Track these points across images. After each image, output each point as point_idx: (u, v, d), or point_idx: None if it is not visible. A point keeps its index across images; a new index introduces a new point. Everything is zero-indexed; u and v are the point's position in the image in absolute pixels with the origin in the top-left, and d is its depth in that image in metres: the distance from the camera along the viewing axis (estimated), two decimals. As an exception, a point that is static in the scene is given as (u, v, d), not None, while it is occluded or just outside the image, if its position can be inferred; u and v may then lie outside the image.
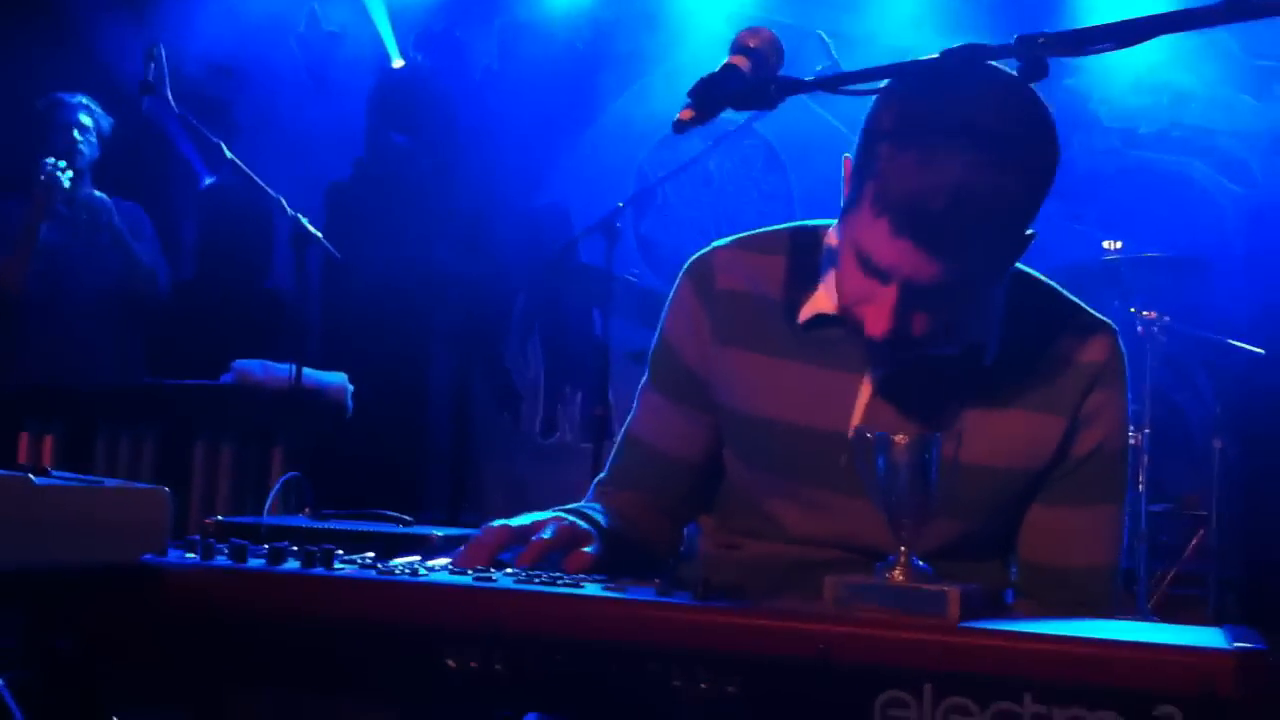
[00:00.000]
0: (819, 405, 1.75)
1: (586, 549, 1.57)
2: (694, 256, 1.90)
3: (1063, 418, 1.72)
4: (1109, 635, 1.11)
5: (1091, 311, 1.79)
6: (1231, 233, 5.76)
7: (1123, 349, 1.77)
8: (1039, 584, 1.79)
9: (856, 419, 1.72)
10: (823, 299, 1.75)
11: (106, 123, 5.04)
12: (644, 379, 1.95)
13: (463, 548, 1.57)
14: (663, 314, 1.92)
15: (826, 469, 1.74)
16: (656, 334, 1.93)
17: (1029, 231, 1.61)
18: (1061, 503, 1.76)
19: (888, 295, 1.56)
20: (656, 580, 1.32)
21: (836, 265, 1.68)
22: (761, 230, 1.89)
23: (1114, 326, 1.78)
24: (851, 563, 1.69)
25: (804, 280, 1.79)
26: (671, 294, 1.91)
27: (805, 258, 1.81)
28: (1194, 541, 5.10)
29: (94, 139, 4.99)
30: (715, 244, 1.89)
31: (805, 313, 1.77)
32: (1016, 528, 1.80)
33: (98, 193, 4.98)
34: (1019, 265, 1.75)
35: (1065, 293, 1.81)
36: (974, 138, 1.48)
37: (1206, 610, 4.91)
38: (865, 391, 1.74)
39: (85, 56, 5.57)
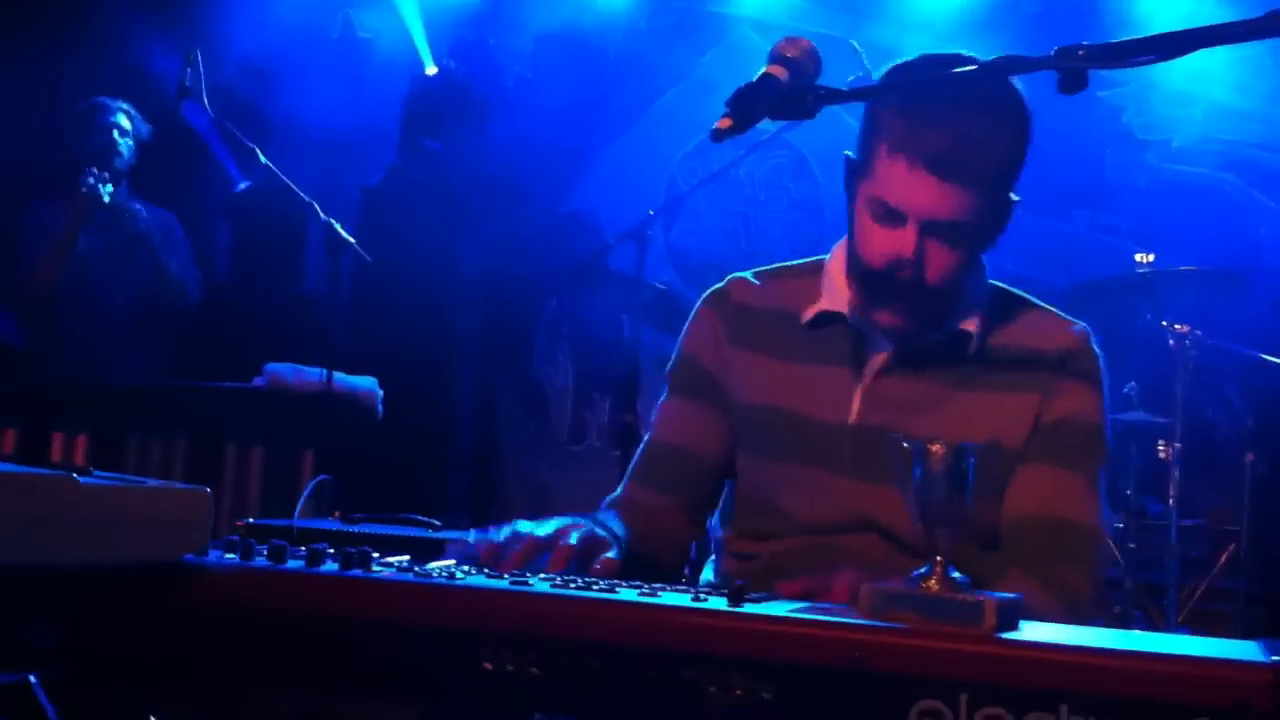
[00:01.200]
0: (821, 398, 1.92)
1: (610, 554, 1.64)
2: (711, 288, 2.10)
3: (1036, 394, 1.88)
4: (1145, 648, 1.11)
5: (1065, 315, 1.98)
6: (1264, 246, 5.72)
7: (1097, 349, 1.94)
8: (1022, 537, 1.85)
9: (855, 408, 1.90)
10: (825, 301, 1.96)
11: (145, 128, 5.09)
12: (662, 396, 2.09)
13: (486, 548, 1.60)
14: (680, 336, 2.09)
15: (831, 456, 1.89)
16: (674, 353, 2.10)
17: (1014, 197, 1.86)
18: (1037, 460, 1.87)
19: (907, 235, 1.78)
20: (688, 585, 1.33)
21: (850, 237, 1.90)
22: (776, 264, 2.10)
23: (1088, 328, 1.96)
24: (865, 543, 1.86)
25: (809, 294, 1.99)
26: (690, 317, 2.10)
27: (812, 278, 2.01)
28: (1224, 557, 5.06)
29: (132, 143, 5.04)
30: (731, 275, 2.10)
31: (808, 313, 1.96)
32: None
33: (136, 204, 5.03)
34: (999, 284, 1.98)
35: (1042, 303, 2.01)
36: (969, 97, 1.77)
37: (1235, 625, 4.87)
38: (863, 384, 1.91)
39: (121, 61, 5.61)
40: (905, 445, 1.23)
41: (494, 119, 6.37)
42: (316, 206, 4.28)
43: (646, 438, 2.08)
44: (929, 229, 1.79)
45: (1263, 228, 5.76)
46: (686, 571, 2.14)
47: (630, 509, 1.98)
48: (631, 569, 1.76)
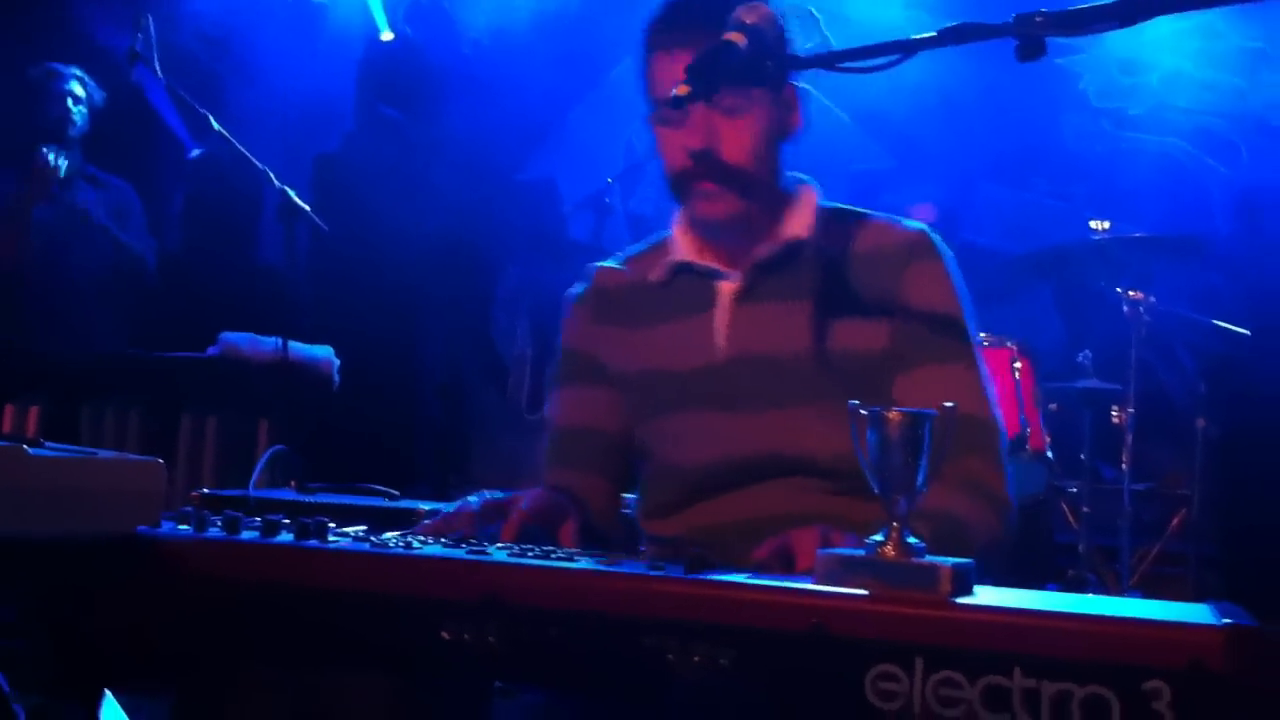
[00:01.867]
0: (688, 347, 1.96)
1: (571, 521, 1.68)
2: (574, 288, 2.16)
3: (887, 288, 1.90)
4: (1099, 611, 1.12)
5: (903, 220, 1.99)
6: (1218, 214, 5.77)
7: (938, 241, 1.95)
8: None
9: (720, 345, 1.93)
10: (669, 257, 2.02)
11: (99, 95, 5.01)
12: (552, 392, 2.14)
13: (439, 519, 1.66)
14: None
15: (711, 398, 1.92)
16: (555, 358, 2.15)
17: (802, 86, 1.93)
18: (915, 365, 1.87)
19: (690, 121, 1.84)
20: (644, 552, 1.33)
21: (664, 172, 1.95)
22: (637, 245, 2.16)
23: (926, 226, 1.97)
24: (779, 493, 1.85)
25: (660, 260, 2.04)
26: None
27: (662, 247, 2.06)
28: (1176, 520, 5.13)
29: (86, 110, 4.96)
30: (593, 266, 2.16)
31: (655, 274, 2.02)
32: None
33: (92, 170, 4.97)
34: (836, 203, 2.00)
35: (877, 213, 2.03)
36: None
37: (1187, 588, 4.94)
38: (723, 321, 1.94)
39: (71, 27, 5.52)
40: (862, 413, 1.23)
41: (451, 86, 6.31)
42: (271, 174, 4.22)
43: (549, 431, 2.11)
44: (700, 108, 1.82)
45: (1216, 195, 5.81)
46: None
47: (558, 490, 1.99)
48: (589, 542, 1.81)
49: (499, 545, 1.40)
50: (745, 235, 1.95)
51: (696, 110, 1.82)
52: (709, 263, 1.97)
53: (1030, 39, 1.30)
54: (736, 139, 1.86)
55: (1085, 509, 4.83)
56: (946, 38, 1.36)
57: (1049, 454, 4.64)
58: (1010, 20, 1.32)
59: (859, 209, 2.03)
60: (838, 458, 1.72)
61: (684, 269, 2.00)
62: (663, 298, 2.02)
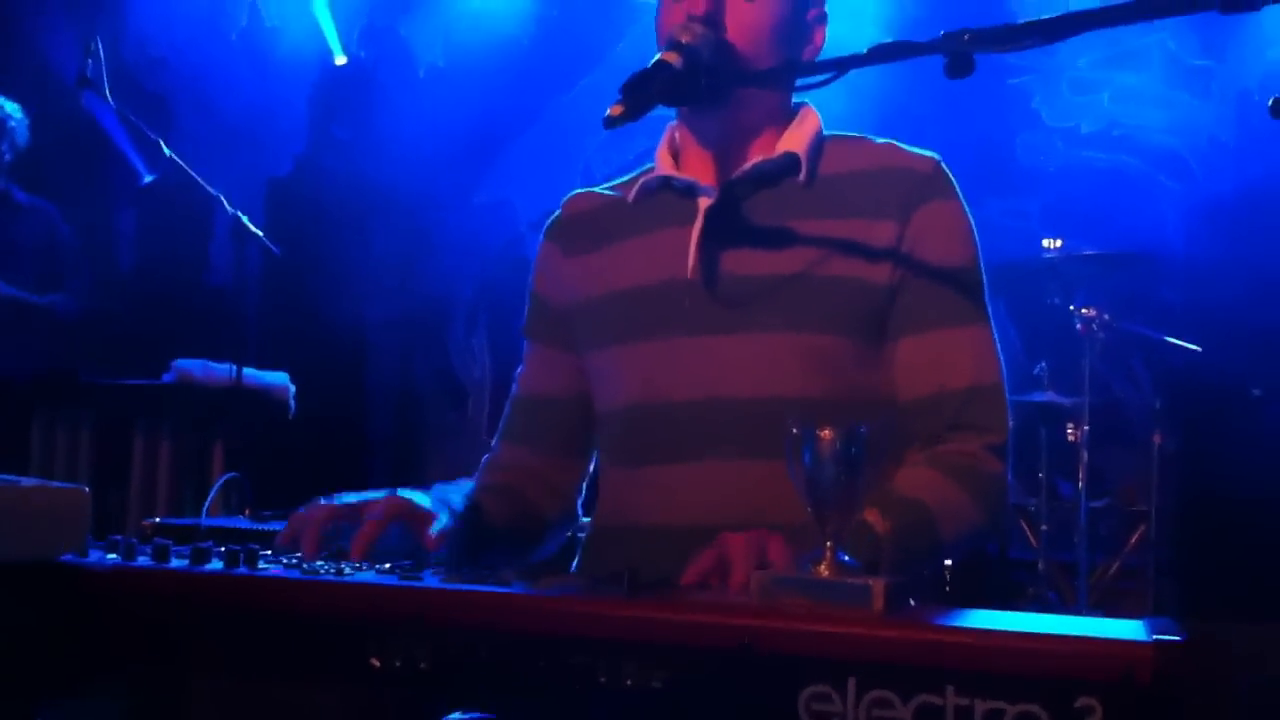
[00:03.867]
0: (656, 263, 1.81)
1: (435, 526, 1.58)
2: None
3: (890, 221, 1.74)
4: (1031, 628, 1.11)
5: (910, 146, 1.84)
6: (1170, 230, 5.82)
7: (949, 172, 1.80)
8: (924, 419, 1.74)
9: (691, 260, 1.77)
10: (647, 175, 1.87)
11: (23, 128, 4.94)
12: (524, 347, 2.02)
13: (284, 528, 1.56)
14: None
15: (670, 319, 1.78)
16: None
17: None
18: (925, 329, 1.74)
19: None
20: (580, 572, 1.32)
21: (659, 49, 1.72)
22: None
23: (937, 154, 1.82)
24: (731, 424, 1.72)
25: (641, 177, 1.90)
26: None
27: (644, 171, 1.92)
28: (1135, 536, 5.16)
29: (14, 139, 4.90)
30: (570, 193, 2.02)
31: (632, 191, 1.87)
32: (895, 385, 1.77)
33: (18, 196, 4.91)
34: (840, 133, 1.85)
35: (883, 139, 1.87)
36: None
37: (1146, 602, 4.97)
38: (696, 233, 1.78)
39: (19, 49, 5.47)
40: (795, 431, 1.22)
41: (405, 109, 6.30)
42: (223, 199, 4.20)
43: (511, 392, 2.01)
44: None
45: (1168, 211, 5.87)
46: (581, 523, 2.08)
47: (505, 467, 1.94)
48: (500, 531, 1.77)
49: (432, 570, 1.37)
50: (733, 144, 1.81)
51: None
52: (689, 177, 1.82)
53: (958, 56, 1.30)
54: (743, 18, 1.72)
55: (1044, 526, 4.86)
56: (877, 56, 1.36)
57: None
58: (938, 38, 1.32)
59: (861, 133, 1.88)
60: (810, 402, 1.65)
61: (662, 185, 1.85)
62: (635, 215, 1.87)
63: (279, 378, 4.60)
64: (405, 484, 1.81)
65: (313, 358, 5.15)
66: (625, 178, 1.96)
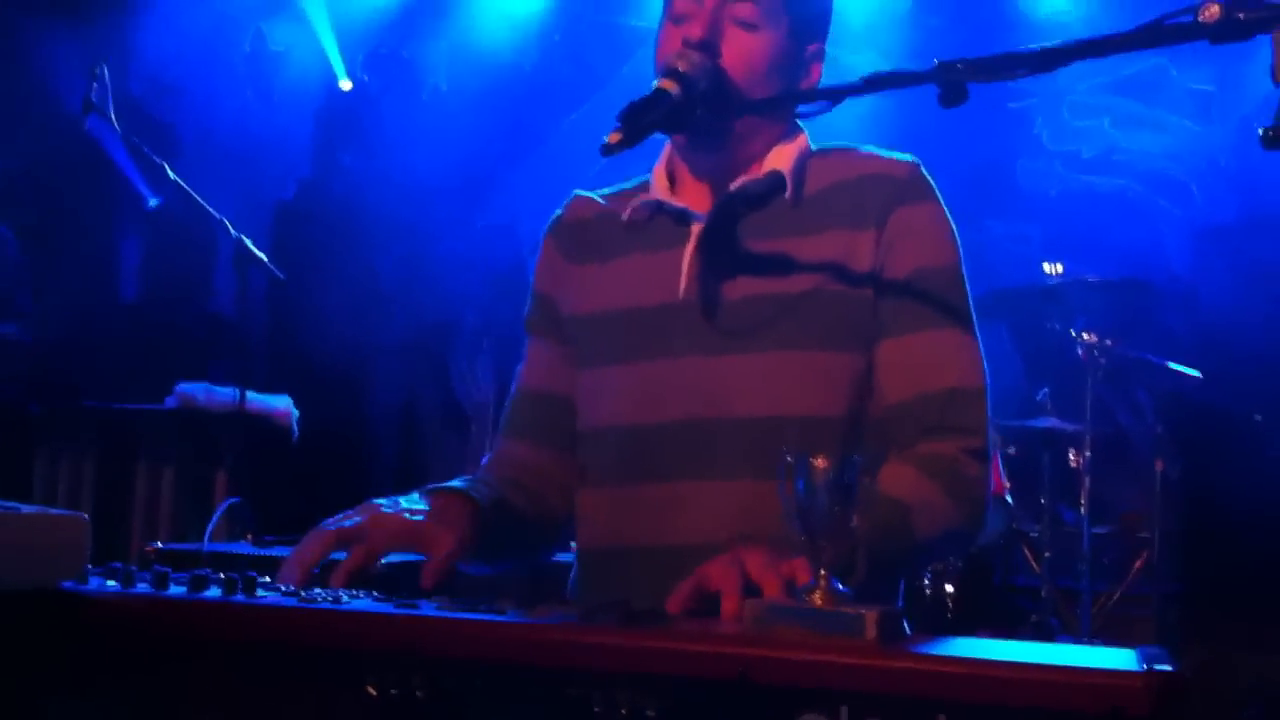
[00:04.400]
0: (648, 285, 1.83)
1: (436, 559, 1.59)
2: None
3: (870, 230, 1.76)
4: (1024, 658, 1.11)
5: (890, 151, 1.85)
6: (1172, 255, 5.83)
7: (927, 174, 1.81)
8: (902, 424, 1.74)
9: (682, 284, 1.79)
10: (644, 195, 1.89)
11: None
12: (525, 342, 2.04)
13: (291, 555, 1.58)
14: None
15: (659, 341, 1.80)
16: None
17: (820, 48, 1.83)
18: (902, 331, 1.75)
19: (700, 13, 1.73)
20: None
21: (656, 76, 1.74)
22: (618, 184, 2.02)
23: (915, 157, 1.84)
24: (718, 430, 1.73)
25: (637, 195, 1.91)
26: None
27: (642, 186, 1.93)
28: (1138, 563, 5.14)
29: None
30: (572, 193, 2.04)
31: (628, 210, 1.88)
32: (872, 392, 1.77)
33: None
34: (827, 145, 1.87)
35: (865, 146, 1.89)
36: None
37: (1149, 629, 4.95)
38: (688, 256, 1.81)
39: (23, 75, 5.51)
40: (788, 459, 1.23)
41: (409, 133, 6.33)
42: (228, 223, 4.22)
43: (512, 388, 2.02)
44: (714, 3, 1.74)
45: (1169, 236, 5.88)
46: None
47: (511, 463, 1.94)
48: (510, 527, 1.78)
49: (431, 599, 1.38)
50: (729, 173, 1.82)
51: (709, 3, 1.74)
52: (682, 203, 1.85)
53: (952, 85, 1.31)
54: (741, 47, 1.74)
55: (1046, 552, 4.85)
56: (872, 85, 1.37)
57: (1008, 498, 4.65)
58: (932, 67, 1.33)
59: (847, 144, 1.90)
60: (808, 420, 1.66)
61: (656, 209, 1.88)
62: (631, 236, 1.89)
63: (282, 401, 4.61)
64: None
65: (316, 381, 5.16)
66: (624, 186, 1.98)
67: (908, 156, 1.83)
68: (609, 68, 6.31)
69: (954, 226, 1.81)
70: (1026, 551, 5.07)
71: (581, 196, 2.01)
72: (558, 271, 1.97)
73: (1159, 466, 4.99)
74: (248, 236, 4.22)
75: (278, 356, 5.62)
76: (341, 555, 1.58)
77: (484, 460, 2.01)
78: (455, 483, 1.79)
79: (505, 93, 6.35)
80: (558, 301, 1.96)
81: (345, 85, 6.33)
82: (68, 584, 1.33)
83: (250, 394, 4.30)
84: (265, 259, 4.28)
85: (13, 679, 1.31)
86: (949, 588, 4.17)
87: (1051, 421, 4.78)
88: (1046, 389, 4.86)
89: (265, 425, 4.51)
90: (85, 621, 1.30)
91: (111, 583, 1.37)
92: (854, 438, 1.72)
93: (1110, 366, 4.67)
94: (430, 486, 1.76)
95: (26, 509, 1.34)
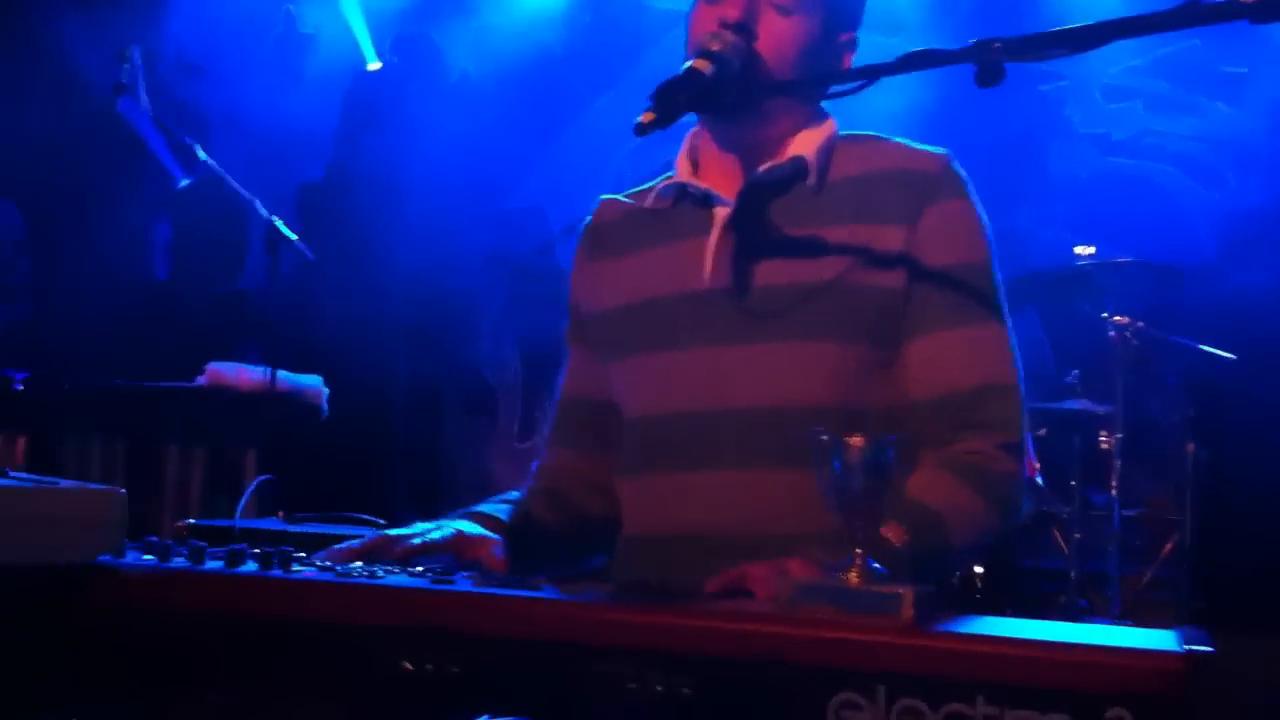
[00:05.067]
0: (673, 274, 1.82)
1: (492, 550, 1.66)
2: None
3: (900, 225, 1.74)
4: (1062, 637, 1.11)
5: (919, 143, 1.83)
6: (1204, 238, 5.79)
7: (960, 169, 1.79)
8: (935, 420, 1.73)
9: (707, 272, 1.78)
10: (666, 181, 1.88)
11: None
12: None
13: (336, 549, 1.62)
14: None
15: (683, 330, 1.79)
16: None
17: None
18: (935, 329, 1.73)
19: None
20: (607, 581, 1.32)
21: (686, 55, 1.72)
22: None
23: (948, 151, 1.81)
24: (753, 424, 1.72)
25: (661, 184, 1.90)
26: None
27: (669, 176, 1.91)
28: (1168, 546, 5.12)
29: None
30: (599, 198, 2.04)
31: (650, 199, 1.89)
32: (907, 387, 1.76)
33: None
34: (854, 132, 1.84)
35: (892, 136, 1.86)
36: None
37: (1178, 613, 4.93)
38: (712, 244, 1.79)
39: (55, 57, 5.53)
40: (824, 438, 1.23)
41: (437, 114, 6.33)
42: (258, 203, 4.23)
43: (553, 399, 2.04)
44: None
45: (1201, 219, 5.83)
46: None
47: (551, 472, 1.98)
48: (554, 532, 1.84)
49: (465, 574, 1.38)
50: (756, 154, 1.81)
51: None
52: (706, 185, 1.83)
53: (988, 65, 1.30)
54: (776, 30, 1.73)
55: (1076, 534, 4.82)
56: (907, 64, 1.36)
57: (1039, 479, 4.63)
58: (969, 46, 1.32)
59: (877, 134, 1.87)
60: (821, 411, 1.64)
61: (680, 193, 1.87)
62: (655, 224, 1.89)
63: (312, 380, 4.62)
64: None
65: (344, 361, 5.18)
66: (647, 185, 1.97)
67: (940, 150, 1.81)
68: (637, 50, 6.29)
69: (985, 221, 1.79)
70: (1055, 533, 5.05)
71: (606, 199, 2.02)
72: (585, 275, 1.99)
73: (1190, 449, 4.95)
74: (276, 217, 4.23)
75: (306, 335, 5.63)
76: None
77: (533, 467, 2.03)
78: (483, 507, 1.85)
79: (533, 75, 6.34)
80: (585, 305, 1.98)
81: (374, 66, 6.33)
82: (105, 558, 1.34)
83: (280, 373, 4.32)
84: (296, 239, 4.29)
85: (51, 651, 1.32)
86: (977, 569, 4.15)
87: (1081, 404, 4.75)
88: (1076, 371, 4.83)
89: (295, 404, 4.52)
90: (122, 595, 1.31)
91: (148, 557, 1.38)
92: (872, 429, 1.70)
93: (1141, 349, 4.64)
94: (464, 511, 1.82)
95: (65, 484, 1.35)
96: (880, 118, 1.91)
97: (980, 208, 1.79)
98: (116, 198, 5.24)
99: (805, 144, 1.80)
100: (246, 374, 4.45)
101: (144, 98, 4.24)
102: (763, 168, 1.79)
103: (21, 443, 4.39)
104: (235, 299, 6.16)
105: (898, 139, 1.85)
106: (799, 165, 1.79)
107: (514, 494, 1.94)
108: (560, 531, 1.88)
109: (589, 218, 2.03)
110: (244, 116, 5.84)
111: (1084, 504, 4.93)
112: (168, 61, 5.87)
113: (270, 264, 4.32)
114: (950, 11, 5.76)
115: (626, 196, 2.00)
